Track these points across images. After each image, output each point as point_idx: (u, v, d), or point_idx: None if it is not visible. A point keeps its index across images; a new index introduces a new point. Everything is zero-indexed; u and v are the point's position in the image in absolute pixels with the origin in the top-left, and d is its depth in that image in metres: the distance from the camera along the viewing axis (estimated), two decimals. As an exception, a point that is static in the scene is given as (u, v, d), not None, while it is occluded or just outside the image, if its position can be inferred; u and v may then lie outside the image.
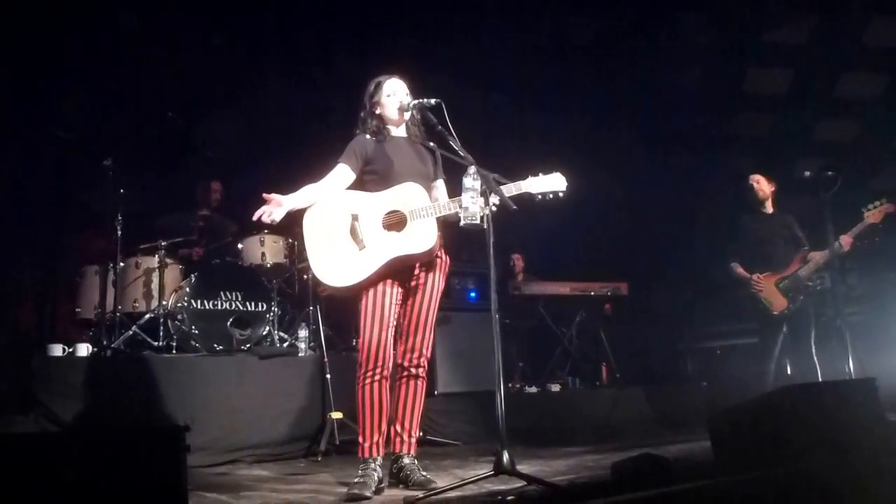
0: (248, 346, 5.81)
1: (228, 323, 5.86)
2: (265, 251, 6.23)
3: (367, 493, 3.36)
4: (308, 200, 3.65)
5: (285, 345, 6.05)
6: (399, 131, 3.88)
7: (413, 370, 3.73)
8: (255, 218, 3.55)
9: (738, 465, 3.16)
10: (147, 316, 5.91)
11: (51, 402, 4.73)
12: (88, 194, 5.92)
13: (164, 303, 5.90)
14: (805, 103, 8.44)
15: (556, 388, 7.29)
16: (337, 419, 5.21)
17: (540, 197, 3.76)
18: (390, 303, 3.60)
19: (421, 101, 3.76)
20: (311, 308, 6.08)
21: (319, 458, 5.04)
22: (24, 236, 6.37)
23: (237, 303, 5.94)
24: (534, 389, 7.16)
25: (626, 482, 3.19)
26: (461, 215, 3.47)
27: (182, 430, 2.54)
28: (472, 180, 3.46)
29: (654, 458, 3.33)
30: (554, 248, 8.67)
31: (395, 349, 3.70)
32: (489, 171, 3.53)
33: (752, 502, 2.82)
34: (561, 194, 3.79)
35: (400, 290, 3.67)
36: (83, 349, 5.35)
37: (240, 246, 6.30)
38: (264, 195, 3.54)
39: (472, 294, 7.04)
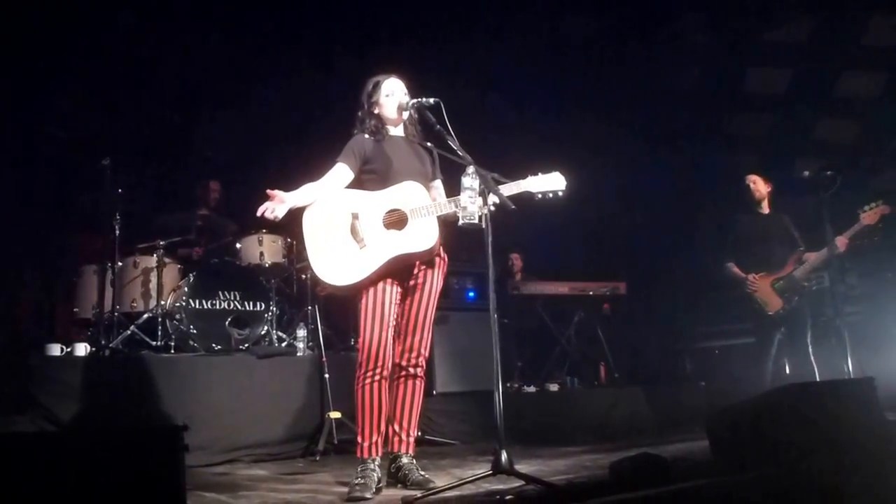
0: (246, 345, 5.80)
1: (227, 322, 5.87)
2: (263, 251, 6.22)
3: (368, 495, 3.36)
4: (309, 199, 3.64)
5: (284, 344, 6.05)
6: (397, 131, 3.88)
7: (411, 370, 3.73)
8: (258, 214, 3.54)
9: (737, 465, 3.16)
10: (145, 316, 5.90)
11: (49, 401, 4.73)
12: (87, 194, 5.91)
13: (163, 302, 5.90)
14: (805, 103, 8.43)
15: (554, 387, 7.28)
16: (335, 419, 5.21)
17: (539, 196, 3.77)
18: (390, 302, 3.60)
19: (420, 100, 3.75)
20: (309, 308, 6.08)
21: (318, 458, 5.04)
22: (23, 236, 6.36)
23: (235, 302, 5.94)
24: (532, 389, 7.15)
25: (624, 482, 3.19)
26: (459, 215, 3.47)
27: (180, 430, 2.54)
28: (470, 180, 3.46)
29: (652, 457, 3.33)
30: (553, 247, 8.67)
31: (392, 349, 3.70)
32: (488, 171, 3.52)
33: (751, 502, 2.82)
34: (560, 193, 3.80)
35: (399, 289, 3.67)
36: (81, 349, 5.35)
37: (238, 245, 6.30)
38: (267, 191, 3.53)
39: (471, 294, 7.05)
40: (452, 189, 3.66)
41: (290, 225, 3.86)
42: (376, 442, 3.57)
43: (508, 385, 7.11)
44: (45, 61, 6.34)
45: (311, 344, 5.84)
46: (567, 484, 3.48)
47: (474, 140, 3.79)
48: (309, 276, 6.07)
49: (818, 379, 5.37)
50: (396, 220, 3.64)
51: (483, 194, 3.45)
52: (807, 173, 5.31)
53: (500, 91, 8.32)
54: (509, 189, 3.69)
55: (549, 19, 8.18)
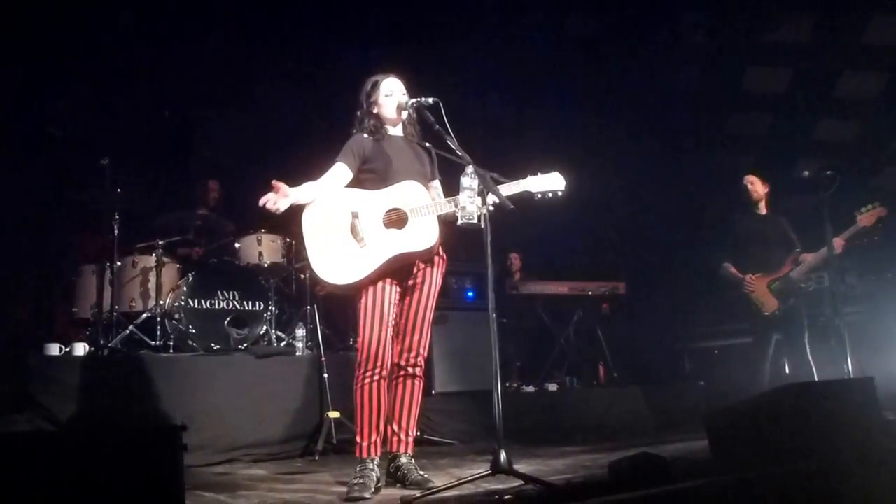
0: (245, 345, 5.80)
1: (226, 322, 5.87)
2: (262, 250, 6.21)
3: (367, 494, 3.35)
4: (310, 196, 3.63)
5: (282, 344, 6.04)
6: (396, 130, 3.88)
7: (410, 369, 3.72)
8: (260, 203, 3.52)
9: (736, 465, 3.16)
10: (144, 315, 5.89)
11: (48, 401, 4.72)
12: (85, 193, 5.90)
13: (162, 302, 5.89)
14: (804, 102, 8.44)
15: (553, 387, 7.29)
16: (334, 418, 5.20)
17: (539, 196, 3.77)
18: (389, 301, 3.60)
19: (419, 99, 3.75)
20: (308, 307, 6.08)
21: (317, 458, 5.03)
22: (21, 236, 6.36)
23: (234, 302, 5.94)
24: (531, 389, 7.16)
25: (623, 481, 3.18)
26: (458, 214, 3.47)
27: (179, 430, 2.54)
28: (469, 179, 3.46)
29: (651, 457, 3.32)
30: (552, 247, 8.67)
31: (391, 348, 3.69)
32: (487, 171, 3.52)
33: (750, 502, 2.81)
34: (560, 193, 3.80)
35: (398, 288, 3.67)
36: (80, 348, 5.35)
37: (237, 245, 6.28)
38: (273, 182, 3.52)
39: (470, 293, 7.05)
40: (451, 189, 3.66)
41: (289, 224, 3.86)
42: (375, 442, 3.56)
43: (507, 385, 7.11)
44: (44, 61, 6.34)
45: (310, 344, 5.84)
46: (566, 483, 3.48)
47: (473, 140, 3.79)
48: (308, 275, 6.07)
49: (816, 379, 5.36)
50: (396, 220, 3.63)
51: (482, 194, 3.45)
52: (806, 173, 5.30)
53: (500, 91, 8.32)
54: (508, 189, 3.69)
55: (549, 19, 8.17)
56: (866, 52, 7.94)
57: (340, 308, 6.27)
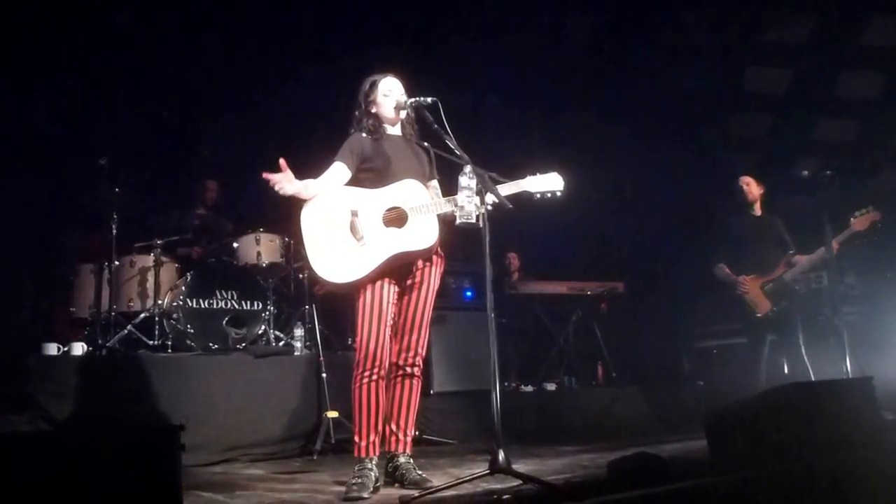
0: (243, 345, 5.80)
1: (224, 322, 5.86)
2: (261, 250, 6.20)
3: (365, 494, 3.35)
4: (310, 192, 3.62)
5: (281, 344, 6.04)
6: (394, 130, 3.87)
7: (408, 369, 3.72)
8: (264, 176, 3.50)
9: (735, 465, 3.16)
10: (142, 315, 5.89)
11: (46, 401, 4.73)
12: (84, 193, 5.90)
13: (160, 302, 5.89)
14: (804, 103, 8.44)
15: (551, 387, 7.28)
16: (333, 418, 5.20)
17: (538, 196, 3.78)
18: (388, 301, 3.59)
19: (418, 99, 3.74)
20: (306, 307, 6.07)
21: (315, 457, 5.03)
22: (20, 235, 6.34)
23: (233, 302, 5.93)
24: (530, 388, 7.15)
25: (622, 481, 3.19)
26: (457, 214, 3.47)
27: (177, 429, 2.54)
28: (467, 179, 3.46)
29: (650, 456, 3.33)
30: (550, 247, 8.66)
31: (390, 348, 3.69)
32: (485, 171, 3.52)
33: (749, 501, 2.81)
34: (559, 194, 3.81)
35: (396, 288, 3.66)
36: (78, 348, 5.36)
37: (235, 245, 6.28)
38: (280, 161, 3.50)
39: (468, 293, 7.05)
40: (450, 189, 3.65)
41: (288, 224, 3.85)
42: (373, 441, 3.56)
43: (506, 384, 7.11)
44: (43, 60, 6.32)
45: (308, 343, 5.84)
46: (565, 483, 3.48)
47: (472, 139, 3.78)
48: (306, 275, 6.07)
49: (813, 378, 5.37)
50: (396, 218, 3.63)
51: (480, 193, 3.44)
52: (806, 173, 5.30)
53: (499, 90, 8.31)
54: (507, 189, 3.69)
55: (549, 19, 8.17)
56: (866, 52, 7.94)
57: (339, 308, 6.26)
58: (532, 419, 6.37)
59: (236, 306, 5.94)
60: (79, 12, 6.35)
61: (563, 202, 3.82)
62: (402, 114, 3.81)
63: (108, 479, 2.34)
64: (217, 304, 5.87)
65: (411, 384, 3.73)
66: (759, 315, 5.61)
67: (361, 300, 3.57)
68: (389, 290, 3.60)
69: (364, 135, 3.79)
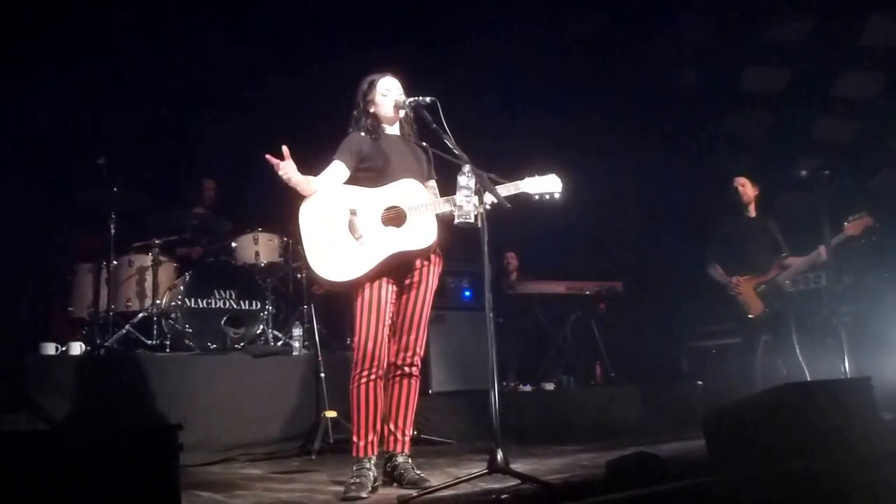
0: (242, 344, 5.79)
1: (222, 322, 5.86)
2: (259, 250, 6.20)
3: (364, 494, 3.35)
4: (310, 189, 3.62)
5: (279, 343, 6.03)
6: (393, 129, 3.87)
7: (407, 369, 3.72)
8: (267, 157, 3.48)
9: (733, 464, 3.16)
10: (140, 315, 5.88)
11: (43, 400, 4.72)
12: (82, 192, 5.89)
13: (158, 301, 5.88)
14: (802, 102, 8.43)
15: (550, 386, 7.28)
16: (331, 418, 5.20)
17: (537, 197, 3.78)
18: (386, 300, 3.59)
19: (416, 98, 3.74)
20: (305, 307, 6.07)
21: (313, 457, 5.03)
22: (18, 234, 6.33)
23: (231, 301, 5.93)
24: (528, 388, 7.15)
25: (620, 480, 3.19)
26: (455, 214, 3.46)
27: (175, 429, 2.54)
28: (466, 179, 3.45)
29: (648, 456, 3.33)
30: (549, 247, 8.65)
31: (388, 348, 3.69)
32: (484, 171, 3.52)
33: (747, 501, 2.81)
34: (557, 195, 3.80)
35: (395, 287, 3.66)
36: (76, 348, 5.35)
37: (234, 244, 6.27)
38: (283, 148, 3.48)
39: (467, 293, 7.05)
40: (449, 188, 3.65)
41: (287, 223, 3.85)
42: (372, 441, 3.56)
43: (504, 384, 7.10)
44: (41, 59, 6.31)
45: (306, 343, 5.84)
46: (563, 483, 3.48)
47: (471, 139, 3.78)
48: (305, 274, 6.07)
49: (808, 378, 5.37)
50: (394, 217, 3.63)
51: (479, 193, 3.44)
52: (804, 172, 5.31)
53: (498, 90, 8.31)
54: (506, 189, 3.70)
55: (548, 19, 8.17)
56: (864, 52, 7.93)
57: (337, 308, 6.25)
58: (531, 419, 6.36)
59: (235, 306, 5.93)
60: (78, 12, 6.34)
61: (561, 201, 3.82)
62: (401, 113, 3.82)
63: (107, 479, 2.34)
64: (215, 303, 5.87)
65: (409, 384, 3.73)
66: (751, 316, 5.62)
67: (360, 299, 3.57)
68: (388, 290, 3.60)
69: (363, 134, 3.79)
